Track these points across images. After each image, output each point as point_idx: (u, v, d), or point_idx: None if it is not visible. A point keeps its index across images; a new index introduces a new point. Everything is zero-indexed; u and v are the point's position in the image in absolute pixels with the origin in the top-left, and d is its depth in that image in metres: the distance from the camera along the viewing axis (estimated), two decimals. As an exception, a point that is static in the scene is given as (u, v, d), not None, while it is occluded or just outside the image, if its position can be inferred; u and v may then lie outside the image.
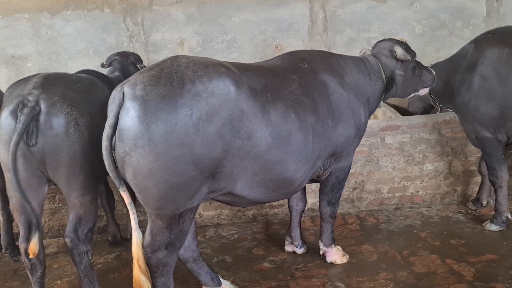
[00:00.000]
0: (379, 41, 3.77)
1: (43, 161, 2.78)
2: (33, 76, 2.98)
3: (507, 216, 3.94)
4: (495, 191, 3.96)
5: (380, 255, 3.65)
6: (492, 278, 3.17)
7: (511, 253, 3.25)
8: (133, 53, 4.38)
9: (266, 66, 2.98)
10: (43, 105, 2.73)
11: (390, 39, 3.69)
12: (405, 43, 3.64)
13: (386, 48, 3.57)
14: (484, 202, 4.39)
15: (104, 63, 4.23)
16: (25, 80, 2.94)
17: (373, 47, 3.76)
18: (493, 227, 3.92)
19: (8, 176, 2.86)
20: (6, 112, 2.75)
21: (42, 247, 3.04)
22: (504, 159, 3.94)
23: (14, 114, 2.71)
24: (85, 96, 2.94)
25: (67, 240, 2.96)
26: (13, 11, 5.42)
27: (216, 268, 3.47)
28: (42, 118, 2.72)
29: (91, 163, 2.88)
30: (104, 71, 4.10)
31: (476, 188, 4.57)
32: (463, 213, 4.36)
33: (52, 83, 2.86)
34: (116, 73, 4.07)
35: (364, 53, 3.72)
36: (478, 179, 4.51)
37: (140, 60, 4.31)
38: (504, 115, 3.69)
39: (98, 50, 5.54)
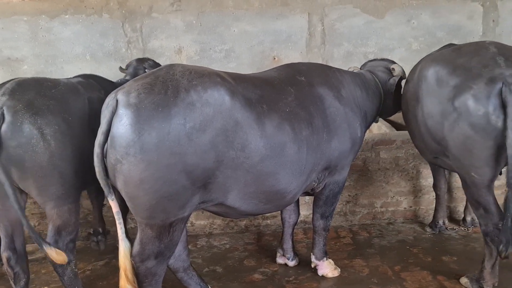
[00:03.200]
0: (370, 61, 3.92)
1: (8, 172, 2.64)
2: (9, 81, 2.86)
3: (439, 222, 4.30)
4: (435, 198, 4.32)
5: (371, 269, 3.62)
6: (483, 296, 3.15)
7: (502, 271, 3.24)
8: (149, 60, 4.35)
9: (262, 77, 2.98)
10: (6, 113, 2.60)
11: (382, 59, 3.85)
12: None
13: (381, 65, 3.70)
14: (468, 218, 4.35)
15: (122, 67, 4.31)
16: (1, 86, 2.82)
17: (363, 66, 3.86)
18: (428, 230, 4.34)
19: None
20: None
21: (25, 254, 2.98)
22: (440, 170, 4.12)
23: None
24: (57, 103, 2.79)
25: None
26: (12, 13, 5.42)
27: (206, 279, 3.44)
28: (4, 126, 2.59)
29: (64, 174, 2.76)
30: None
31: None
32: (455, 229, 4.35)
33: (22, 90, 2.71)
34: (127, 77, 4.06)
35: (353, 70, 3.78)
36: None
37: (153, 67, 4.21)
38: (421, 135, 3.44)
39: (95, 55, 5.55)
